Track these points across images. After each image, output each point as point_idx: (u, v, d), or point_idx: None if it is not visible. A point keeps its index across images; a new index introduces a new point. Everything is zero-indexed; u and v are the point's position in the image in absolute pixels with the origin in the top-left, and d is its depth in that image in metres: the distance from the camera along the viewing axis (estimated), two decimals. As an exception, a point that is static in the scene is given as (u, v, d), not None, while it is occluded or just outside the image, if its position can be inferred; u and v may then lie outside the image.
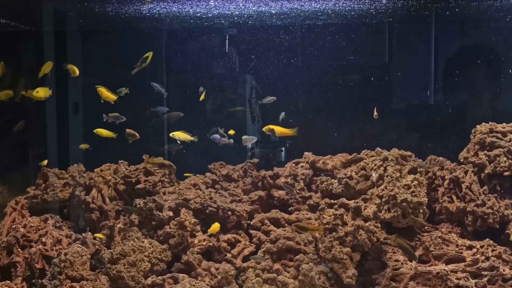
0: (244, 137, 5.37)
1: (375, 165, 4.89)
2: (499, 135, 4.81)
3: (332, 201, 4.84)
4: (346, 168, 5.00)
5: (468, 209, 4.63)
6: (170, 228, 4.70)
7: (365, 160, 4.99)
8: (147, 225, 4.82)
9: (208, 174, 5.47)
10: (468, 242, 4.57)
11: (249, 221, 4.94)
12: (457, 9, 5.38)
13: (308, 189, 5.18)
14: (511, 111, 5.56)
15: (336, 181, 5.01)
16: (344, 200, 4.60)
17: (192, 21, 5.87)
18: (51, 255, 4.63)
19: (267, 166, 5.48)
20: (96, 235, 4.79)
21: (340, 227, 4.40)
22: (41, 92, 4.90)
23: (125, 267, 4.39)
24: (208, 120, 6.04)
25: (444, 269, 4.35)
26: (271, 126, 5.01)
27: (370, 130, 5.79)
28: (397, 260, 4.50)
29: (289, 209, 5.11)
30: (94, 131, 5.05)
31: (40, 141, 5.51)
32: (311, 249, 4.60)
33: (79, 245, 4.56)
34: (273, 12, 5.56)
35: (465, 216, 4.68)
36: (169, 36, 6.23)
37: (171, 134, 5.07)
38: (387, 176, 4.72)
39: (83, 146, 5.35)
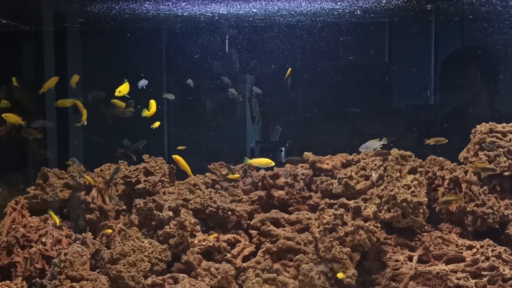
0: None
1: (375, 165, 4.89)
2: (499, 135, 4.81)
3: (332, 201, 4.85)
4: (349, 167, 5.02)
5: (468, 209, 4.63)
6: (170, 228, 4.70)
7: (365, 160, 5.00)
8: (147, 225, 4.82)
9: (208, 174, 5.47)
10: (468, 242, 4.57)
11: (249, 221, 4.95)
12: (457, 9, 5.38)
13: (308, 189, 5.18)
14: (511, 111, 5.56)
15: (336, 181, 5.01)
16: (344, 200, 4.59)
17: (192, 22, 5.87)
18: (51, 255, 4.63)
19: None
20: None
21: (340, 227, 4.40)
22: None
23: (125, 267, 4.39)
24: (208, 119, 6.05)
25: (444, 269, 4.35)
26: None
27: (370, 130, 5.79)
28: (397, 260, 4.50)
29: (289, 209, 5.11)
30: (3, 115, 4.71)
31: (40, 141, 5.49)
32: (311, 249, 4.60)
33: (79, 245, 4.56)
34: (273, 12, 5.56)
35: (465, 216, 4.68)
36: (169, 36, 6.23)
37: None
38: (387, 176, 4.72)
39: None
